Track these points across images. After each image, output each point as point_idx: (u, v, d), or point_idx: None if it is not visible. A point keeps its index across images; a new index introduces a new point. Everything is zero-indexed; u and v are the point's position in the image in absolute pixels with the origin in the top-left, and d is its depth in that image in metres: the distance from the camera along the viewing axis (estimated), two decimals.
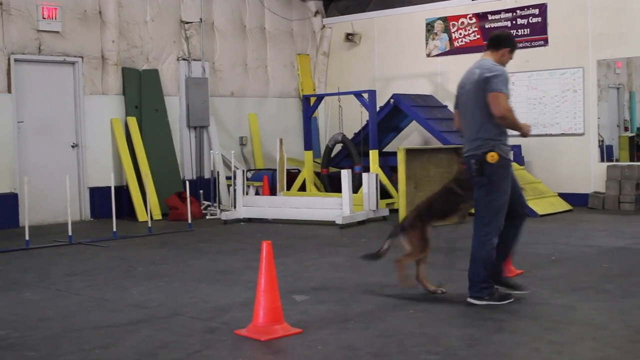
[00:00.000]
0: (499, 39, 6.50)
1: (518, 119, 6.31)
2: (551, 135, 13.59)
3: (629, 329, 5.47)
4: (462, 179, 6.52)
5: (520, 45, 13.78)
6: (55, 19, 12.60)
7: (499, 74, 6.20)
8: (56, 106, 12.83)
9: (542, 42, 13.62)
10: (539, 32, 13.64)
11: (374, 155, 12.70)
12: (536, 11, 13.66)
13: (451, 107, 14.14)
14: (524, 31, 13.79)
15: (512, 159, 6.44)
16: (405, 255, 6.59)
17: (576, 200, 13.07)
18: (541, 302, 6.36)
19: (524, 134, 6.32)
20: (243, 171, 12.88)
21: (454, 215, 6.82)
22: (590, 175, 13.21)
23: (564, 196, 13.07)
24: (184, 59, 14.35)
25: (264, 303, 5.41)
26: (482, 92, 6.21)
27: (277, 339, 5.34)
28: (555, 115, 13.53)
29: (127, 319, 6.09)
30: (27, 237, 9.96)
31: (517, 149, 13.64)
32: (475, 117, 6.27)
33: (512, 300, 6.26)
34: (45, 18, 12.47)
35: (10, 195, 12.14)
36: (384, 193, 12.64)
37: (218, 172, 13.88)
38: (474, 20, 14.45)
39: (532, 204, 12.14)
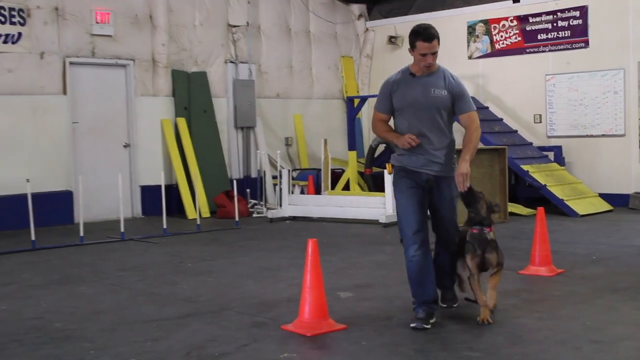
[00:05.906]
0: None
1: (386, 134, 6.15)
2: (592, 136, 13.62)
3: None
4: None
5: (561, 47, 13.89)
6: (108, 23, 12.94)
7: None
8: (109, 107, 13.14)
9: (582, 44, 13.65)
10: (579, 34, 13.67)
11: None
12: (577, 13, 13.68)
13: (492, 109, 14.49)
14: (565, 33, 13.82)
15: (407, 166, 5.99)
16: None
17: (617, 201, 13.08)
18: (582, 302, 6.36)
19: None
20: (289, 171, 13.02)
21: None
22: (631, 176, 13.21)
23: (605, 197, 13.09)
24: (231, 62, 14.62)
25: (309, 299, 5.51)
26: None
27: (322, 335, 5.44)
28: (596, 116, 13.55)
29: (177, 313, 6.24)
30: (81, 233, 10.20)
31: (557, 150, 13.75)
32: None
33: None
34: (98, 22, 12.81)
35: (65, 193, 12.46)
36: None
37: (264, 172, 14.01)
38: (515, 22, 14.51)
39: (572, 204, 12.26)
